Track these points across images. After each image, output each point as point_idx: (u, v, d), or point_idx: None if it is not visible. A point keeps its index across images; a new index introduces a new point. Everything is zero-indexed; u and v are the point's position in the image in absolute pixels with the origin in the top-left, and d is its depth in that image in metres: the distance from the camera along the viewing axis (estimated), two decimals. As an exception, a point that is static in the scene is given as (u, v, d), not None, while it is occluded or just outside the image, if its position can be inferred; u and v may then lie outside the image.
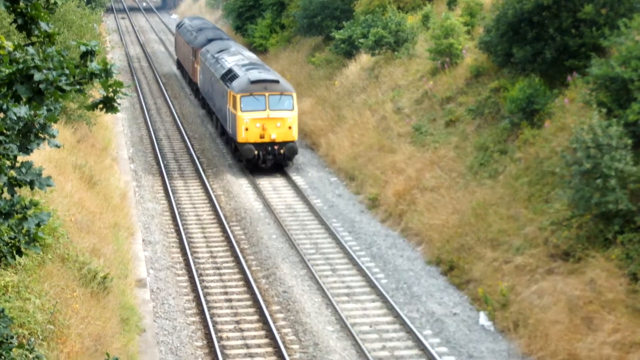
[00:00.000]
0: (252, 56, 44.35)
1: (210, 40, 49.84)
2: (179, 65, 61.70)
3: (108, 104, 9.00)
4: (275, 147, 36.15)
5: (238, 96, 36.06)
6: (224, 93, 38.73)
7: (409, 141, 33.65)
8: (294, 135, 36.40)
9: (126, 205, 31.13)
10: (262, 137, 36.00)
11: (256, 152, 35.95)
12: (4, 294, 16.57)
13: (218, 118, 42.41)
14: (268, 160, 36.26)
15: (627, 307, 19.82)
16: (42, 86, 8.46)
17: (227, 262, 27.35)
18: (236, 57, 42.61)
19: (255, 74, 37.43)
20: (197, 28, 55.61)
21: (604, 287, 20.54)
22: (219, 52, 44.74)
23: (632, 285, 20.14)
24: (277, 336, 21.86)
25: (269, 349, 21.55)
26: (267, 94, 36.09)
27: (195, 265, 26.81)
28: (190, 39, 53.85)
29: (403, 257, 27.60)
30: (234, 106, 36.44)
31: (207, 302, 24.24)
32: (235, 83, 37.13)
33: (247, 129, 35.93)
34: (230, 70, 39.45)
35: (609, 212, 21.47)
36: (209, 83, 44.57)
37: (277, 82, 36.69)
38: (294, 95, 36.81)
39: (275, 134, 35.99)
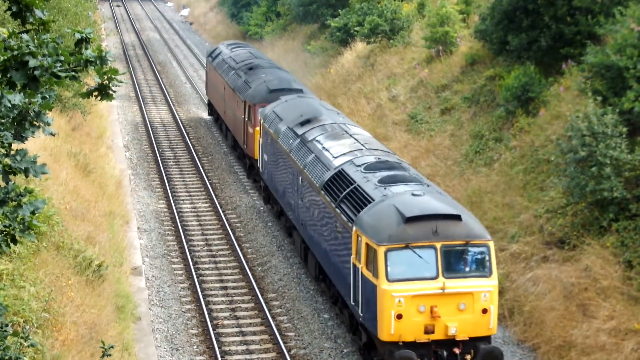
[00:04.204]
0: (367, 135, 25.07)
1: (274, 92, 31.59)
2: (212, 111, 43.80)
3: (103, 92, 9.00)
4: (456, 352, 18.07)
5: (381, 250, 17.88)
6: (335, 224, 20.62)
7: (404, 129, 33.64)
8: (492, 327, 18.27)
9: (121, 193, 31.12)
10: (429, 331, 18.00)
11: None
12: (-1, 282, 16.57)
13: (316, 257, 23.15)
14: None
15: (622, 294, 19.88)
16: (37, 72, 8.45)
17: (222, 249, 27.38)
18: (344, 141, 23.51)
19: (409, 200, 18.96)
20: (247, 65, 36.36)
21: (599, 274, 20.59)
22: (302, 124, 25.75)
23: (627, 273, 20.19)
24: (273, 323, 21.90)
25: (265, 337, 21.58)
26: (438, 244, 18.04)
27: (190, 253, 26.82)
28: (237, 85, 34.92)
29: (398, 245, 27.58)
30: (372, 266, 18.27)
31: (203, 289, 24.26)
32: (367, 218, 18.90)
33: (400, 317, 17.83)
34: (342, 176, 21.19)
35: (604, 199, 21.50)
36: (288, 180, 25.68)
37: (457, 217, 18.52)
38: (491, 244, 18.58)
39: (455, 325, 17.93)
